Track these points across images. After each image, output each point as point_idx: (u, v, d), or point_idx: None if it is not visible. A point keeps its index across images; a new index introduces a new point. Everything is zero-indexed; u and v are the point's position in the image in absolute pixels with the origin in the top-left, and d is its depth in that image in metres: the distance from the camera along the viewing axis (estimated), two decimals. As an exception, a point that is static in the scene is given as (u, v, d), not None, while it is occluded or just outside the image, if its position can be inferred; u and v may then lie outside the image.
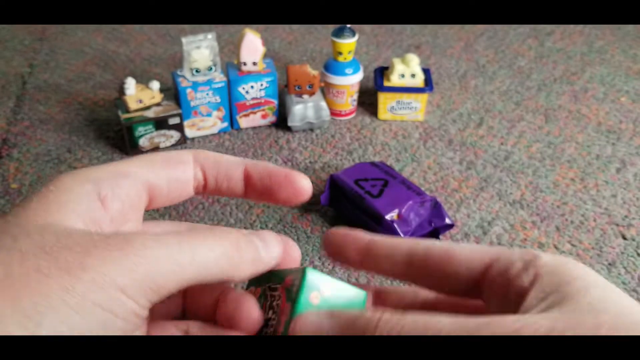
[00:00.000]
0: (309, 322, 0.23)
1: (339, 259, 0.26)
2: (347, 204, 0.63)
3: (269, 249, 0.24)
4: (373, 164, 0.67)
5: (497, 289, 0.23)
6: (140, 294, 0.20)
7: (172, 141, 0.75)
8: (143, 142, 0.74)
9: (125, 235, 0.21)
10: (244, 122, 0.79)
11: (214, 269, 0.22)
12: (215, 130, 0.78)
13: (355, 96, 0.81)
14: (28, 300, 0.18)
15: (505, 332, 0.20)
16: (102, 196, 0.22)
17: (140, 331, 0.23)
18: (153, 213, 0.66)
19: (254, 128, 0.80)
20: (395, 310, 0.23)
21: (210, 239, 0.22)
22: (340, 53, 0.77)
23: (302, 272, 0.23)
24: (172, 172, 0.25)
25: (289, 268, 0.24)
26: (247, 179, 0.26)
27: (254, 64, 0.75)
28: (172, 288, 0.21)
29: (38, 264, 0.19)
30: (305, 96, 0.78)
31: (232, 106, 0.78)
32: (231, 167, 0.26)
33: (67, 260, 0.19)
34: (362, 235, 0.25)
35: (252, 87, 0.76)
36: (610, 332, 0.20)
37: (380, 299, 0.27)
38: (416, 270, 0.24)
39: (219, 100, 0.76)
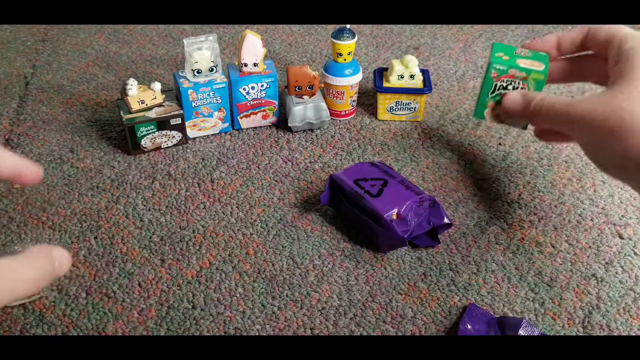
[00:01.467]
0: (512, 97, 0.59)
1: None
2: (347, 203, 0.64)
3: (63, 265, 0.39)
4: (372, 163, 0.68)
5: (598, 50, 0.57)
6: None
7: (174, 141, 0.76)
8: (145, 142, 0.74)
9: None
10: (244, 122, 0.80)
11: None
12: (216, 130, 0.79)
13: (355, 97, 0.82)
14: None
15: (575, 111, 0.52)
16: None
17: None
18: (154, 209, 0.67)
19: (254, 128, 0.81)
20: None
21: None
22: (340, 54, 0.77)
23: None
24: None
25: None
26: None
27: (255, 65, 0.76)
28: None
29: None
30: (305, 97, 0.78)
31: (233, 107, 0.78)
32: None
33: None
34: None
35: (252, 88, 0.77)
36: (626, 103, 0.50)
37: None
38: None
39: (220, 101, 0.76)
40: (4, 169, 0.45)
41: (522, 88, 0.61)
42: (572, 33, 0.58)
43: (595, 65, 0.59)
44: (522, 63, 0.60)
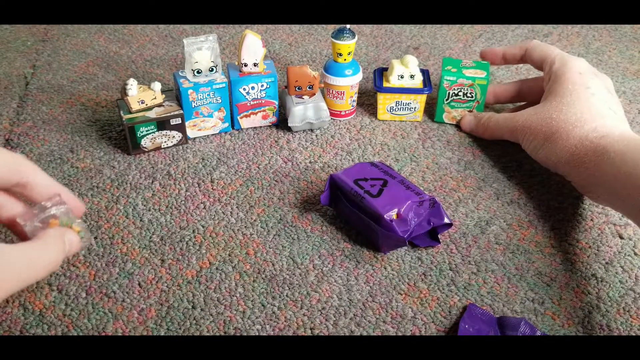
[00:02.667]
0: (466, 120, 0.78)
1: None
2: (347, 203, 0.64)
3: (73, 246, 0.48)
4: (372, 163, 0.68)
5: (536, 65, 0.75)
6: None
7: (174, 141, 0.76)
8: (145, 142, 0.74)
9: None
10: (244, 122, 0.80)
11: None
12: (216, 130, 0.79)
13: (355, 97, 0.82)
14: None
15: (516, 123, 0.70)
16: None
17: None
18: (154, 209, 0.67)
19: (254, 128, 0.81)
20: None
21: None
22: (340, 54, 0.77)
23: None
24: None
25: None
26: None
27: (255, 65, 0.76)
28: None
29: None
30: (305, 97, 0.78)
31: (233, 107, 0.78)
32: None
33: None
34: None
35: (252, 88, 0.77)
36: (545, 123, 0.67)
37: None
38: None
39: (220, 101, 0.76)
40: (40, 195, 0.48)
41: (470, 93, 0.76)
42: (514, 48, 0.77)
43: (531, 90, 0.77)
44: (468, 73, 0.76)
